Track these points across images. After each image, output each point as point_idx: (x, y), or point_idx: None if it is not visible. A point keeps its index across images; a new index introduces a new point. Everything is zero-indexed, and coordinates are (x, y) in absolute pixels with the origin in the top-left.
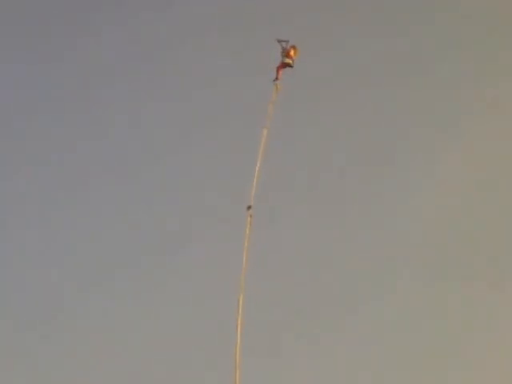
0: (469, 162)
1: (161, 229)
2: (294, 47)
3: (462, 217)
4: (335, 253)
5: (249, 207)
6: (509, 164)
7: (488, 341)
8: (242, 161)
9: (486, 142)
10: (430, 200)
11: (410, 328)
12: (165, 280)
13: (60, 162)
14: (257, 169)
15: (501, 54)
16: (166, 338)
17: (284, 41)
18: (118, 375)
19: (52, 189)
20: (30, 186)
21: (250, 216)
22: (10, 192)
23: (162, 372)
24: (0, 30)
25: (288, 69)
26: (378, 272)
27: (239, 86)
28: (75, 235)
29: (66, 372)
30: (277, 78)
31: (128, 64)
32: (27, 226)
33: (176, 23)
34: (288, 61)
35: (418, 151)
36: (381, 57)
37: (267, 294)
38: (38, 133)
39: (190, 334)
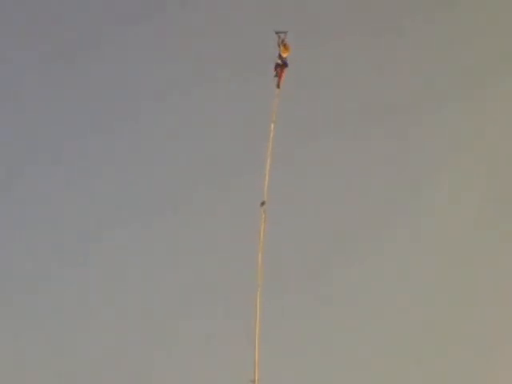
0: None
1: (172, 232)
2: (284, 45)
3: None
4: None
5: (262, 203)
6: None
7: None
8: (252, 158)
9: None
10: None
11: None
12: (178, 283)
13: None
14: (268, 164)
15: None
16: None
17: (282, 32)
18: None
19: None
20: None
21: (264, 212)
22: None
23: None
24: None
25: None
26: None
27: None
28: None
29: None
30: (278, 85)
31: (128, 72)
32: None
33: (177, 26)
34: (282, 61)
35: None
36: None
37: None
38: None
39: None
